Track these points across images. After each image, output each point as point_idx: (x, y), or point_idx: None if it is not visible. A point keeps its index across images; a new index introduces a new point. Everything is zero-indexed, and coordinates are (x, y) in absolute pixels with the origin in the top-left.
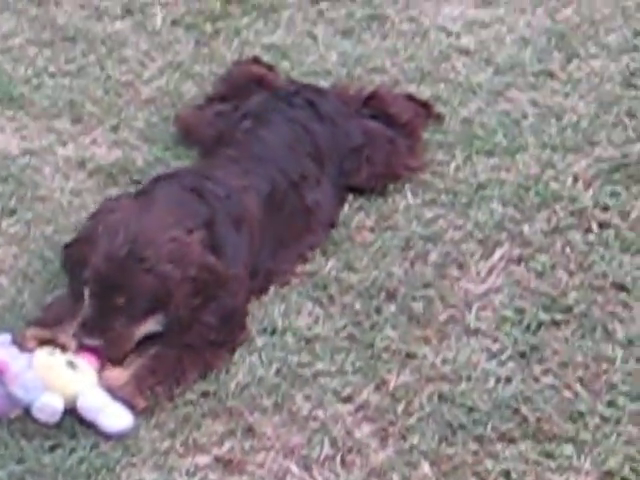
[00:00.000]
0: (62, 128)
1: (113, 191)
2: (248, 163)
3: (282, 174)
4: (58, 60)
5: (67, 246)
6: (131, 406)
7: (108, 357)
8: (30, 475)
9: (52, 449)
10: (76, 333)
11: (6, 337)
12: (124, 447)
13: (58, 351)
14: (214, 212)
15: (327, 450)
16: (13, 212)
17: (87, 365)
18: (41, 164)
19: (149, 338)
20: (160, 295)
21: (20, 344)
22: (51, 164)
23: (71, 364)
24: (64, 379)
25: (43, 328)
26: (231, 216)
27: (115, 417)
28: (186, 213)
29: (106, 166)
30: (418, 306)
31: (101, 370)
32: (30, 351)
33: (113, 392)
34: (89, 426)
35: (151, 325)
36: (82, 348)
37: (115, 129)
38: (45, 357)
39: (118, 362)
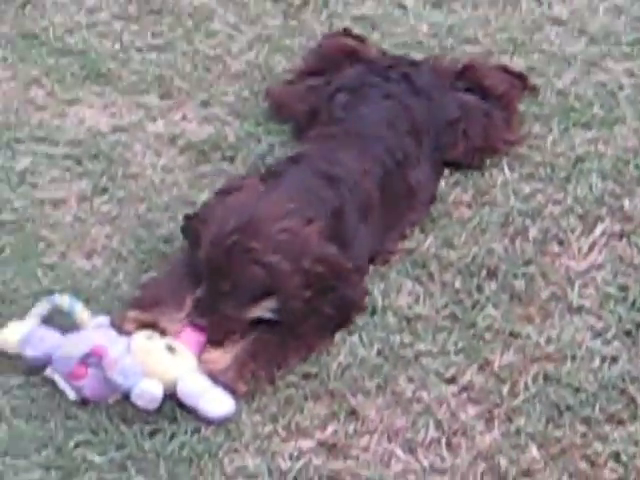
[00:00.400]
0: (151, 104)
1: (206, 168)
2: (356, 143)
3: (389, 154)
4: (145, 35)
5: (187, 217)
6: (232, 391)
7: (211, 339)
8: (131, 461)
9: (152, 434)
10: (190, 312)
11: (105, 319)
12: (226, 432)
13: (157, 335)
14: (343, 201)
15: (432, 433)
16: (105, 190)
17: (186, 349)
18: (131, 141)
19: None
20: (267, 285)
21: (119, 327)
22: (141, 141)
23: (170, 348)
24: (163, 364)
25: (143, 311)
26: (357, 204)
27: (216, 402)
28: (312, 200)
29: (197, 142)
30: (520, 284)
31: (201, 353)
32: (128, 335)
33: (214, 376)
34: (190, 411)
35: (261, 311)
36: (182, 332)
37: (205, 104)
38: (144, 342)
39: (219, 344)
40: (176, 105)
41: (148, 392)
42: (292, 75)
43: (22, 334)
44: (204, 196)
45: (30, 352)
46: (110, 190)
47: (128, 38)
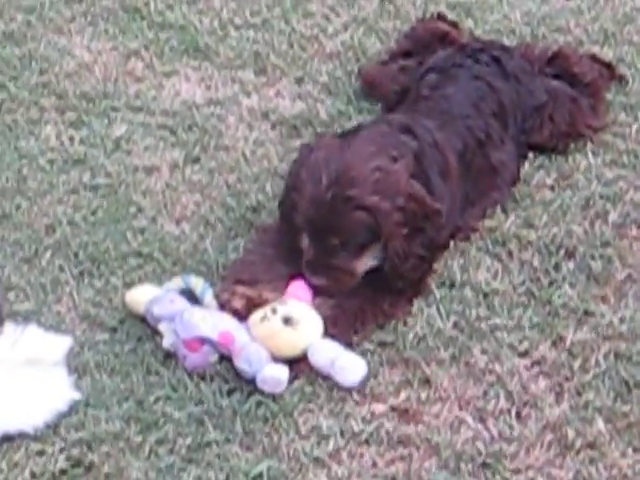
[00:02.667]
0: (246, 79)
1: (296, 143)
2: (438, 118)
3: (470, 132)
4: (243, 12)
5: (280, 203)
6: None
7: (335, 294)
8: (208, 417)
9: (230, 392)
10: (304, 273)
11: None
12: (301, 393)
13: (268, 311)
14: (424, 149)
15: (502, 403)
16: (197, 160)
17: (302, 309)
18: (225, 114)
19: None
20: (372, 228)
21: (228, 302)
22: (235, 114)
23: (287, 320)
24: (288, 342)
25: (248, 286)
26: (437, 164)
27: (349, 370)
28: (393, 143)
29: (290, 118)
30: (597, 265)
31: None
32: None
33: None
34: None
35: (369, 259)
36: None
37: (299, 82)
38: (262, 326)
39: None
40: (270, 81)
41: (273, 378)
42: (385, 56)
43: (153, 296)
44: None
45: (157, 310)
46: (202, 160)
47: (226, 15)
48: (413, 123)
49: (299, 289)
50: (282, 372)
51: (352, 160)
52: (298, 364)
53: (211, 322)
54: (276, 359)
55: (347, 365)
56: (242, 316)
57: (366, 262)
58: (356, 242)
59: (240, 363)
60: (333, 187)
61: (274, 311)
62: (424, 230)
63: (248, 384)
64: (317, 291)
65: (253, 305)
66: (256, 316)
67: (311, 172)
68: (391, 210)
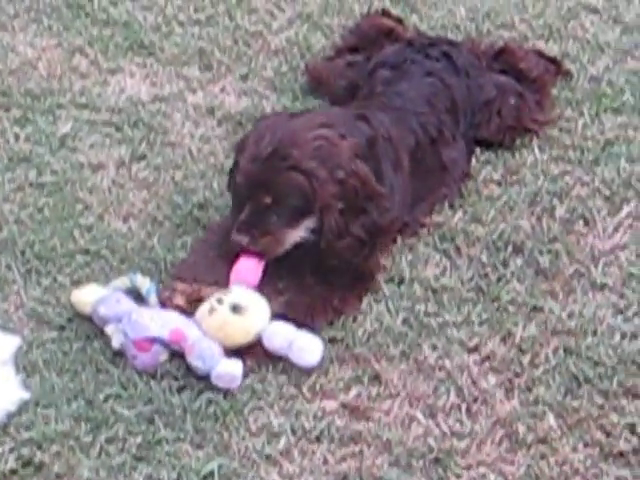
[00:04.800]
0: (191, 75)
1: None
2: (392, 114)
3: (423, 129)
4: (187, 9)
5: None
6: None
7: (258, 254)
8: (159, 415)
9: (180, 390)
10: (232, 235)
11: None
12: (251, 391)
13: (214, 302)
14: (377, 137)
15: (453, 399)
16: (143, 157)
17: (249, 296)
18: (171, 110)
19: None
20: (306, 193)
21: (169, 299)
22: (181, 111)
23: (236, 308)
24: (238, 330)
25: (188, 283)
26: (389, 158)
27: (306, 352)
28: (344, 123)
29: (235, 114)
30: (544, 260)
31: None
32: (181, 310)
33: None
34: None
35: (301, 231)
36: (237, 263)
37: (244, 78)
38: (211, 318)
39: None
40: (216, 78)
41: (228, 373)
42: (331, 52)
43: (99, 296)
44: None
45: (103, 310)
46: (148, 157)
47: (171, 12)
48: (370, 114)
49: (244, 271)
50: (236, 367)
51: (298, 127)
52: (252, 352)
53: (160, 321)
54: (230, 349)
55: (305, 346)
56: (188, 312)
57: (297, 234)
58: (289, 205)
59: (193, 360)
60: (273, 145)
61: (220, 301)
62: (366, 212)
63: (199, 382)
64: (243, 253)
65: (195, 300)
66: (203, 309)
67: (256, 135)
68: (327, 179)
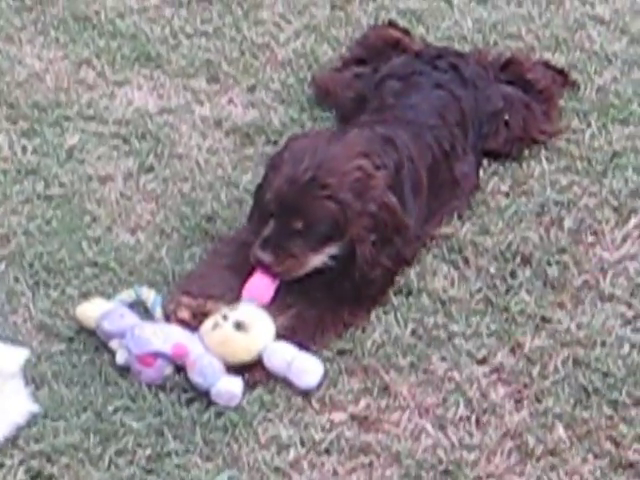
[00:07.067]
0: (199, 87)
1: (249, 151)
2: (409, 129)
3: (438, 144)
4: (194, 21)
5: (257, 186)
6: None
7: (277, 274)
8: (168, 427)
9: (189, 402)
10: (254, 248)
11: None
12: (260, 402)
13: (219, 318)
14: (403, 161)
15: (462, 411)
16: (151, 169)
17: (255, 315)
18: (178, 122)
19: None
20: (338, 224)
21: (174, 313)
22: (188, 122)
23: (239, 326)
24: (241, 348)
25: (193, 297)
26: (411, 179)
27: (305, 373)
28: (377, 151)
29: (242, 126)
30: (553, 271)
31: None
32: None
33: None
34: None
35: (324, 256)
36: (251, 278)
37: (251, 90)
38: (215, 334)
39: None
40: (223, 89)
41: (227, 391)
42: (338, 63)
43: (103, 311)
44: (247, 177)
45: (107, 325)
46: (156, 169)
47: (178, 23)
48: (394, 135)
49: (257, 288)
50: (236, 385)
51: (338, 153)
52: (253, 373)
53: (163, 335)
54: (231, 366)
55: (304, 367)
56: (192, 326)
57: (320, 258)
58: (318, 233)
59: (194, 376)
60: (312, 171)
61: (225, 317)
62: (393, 243)
63: (208, 393)
64: (262, 269)
65: (200, 314)
66: (208, 324)
67: (293, 154)
68: (362, 212)
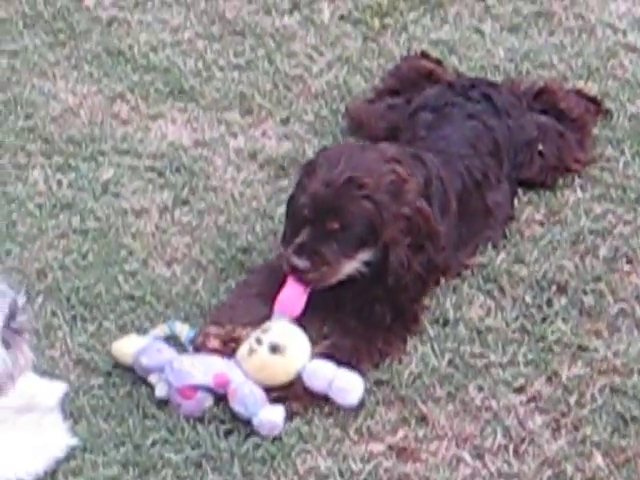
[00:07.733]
0: (232, 120)
1: (284, 182)
2: (439, 158)
3: (468, 173)
4: (227, 54)
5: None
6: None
7: (311, 281)
8: (206, 460)
9: (227, 434)
10: (287, 255)
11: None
12: (298, 434)
13: (253, 342)
14: (431, 178)
15: (500, 440)
16: (186, 202)
17: (286, 332)
18: (212, 155)
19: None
20: (374, 225)
21: (203, 344)
22: (222, 155)
23: (275, 349)
24: (279, 371)
25: (222, 326)
26: (439, 199)
27: (346, 392)
28: (409, 163)
29: (277, 158)
30: (589, 299)
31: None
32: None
33: None
34: None
35: (358, 262)
36: (284, 289)
37: (285, 122)
38: (251, 359)
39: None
40: (256, 122)
41: (269, 421)
42: (371, 94)
43: (139, 347)
44: (282, 209)
45: (145, 361)
46: (191, 202)
47: (211, 57)
48: (424, 155)
49: (289, 300)
50: (278, 415)
51: (372, 157)
52: (296, 396)
53: (202, 367)
54: (272, 388)
55: (345, 386)
56: (226, 354)
57: (353, 265)
58: (353, 234)
59: (235, 405)
60: (349, 172)
61: (259, 341)
62: (425, 249)
63: (245, 425)
64: (294, 277)
65: (230, 341)
66: (243, 350)
67: (328, 160)
68: (397, 214)
